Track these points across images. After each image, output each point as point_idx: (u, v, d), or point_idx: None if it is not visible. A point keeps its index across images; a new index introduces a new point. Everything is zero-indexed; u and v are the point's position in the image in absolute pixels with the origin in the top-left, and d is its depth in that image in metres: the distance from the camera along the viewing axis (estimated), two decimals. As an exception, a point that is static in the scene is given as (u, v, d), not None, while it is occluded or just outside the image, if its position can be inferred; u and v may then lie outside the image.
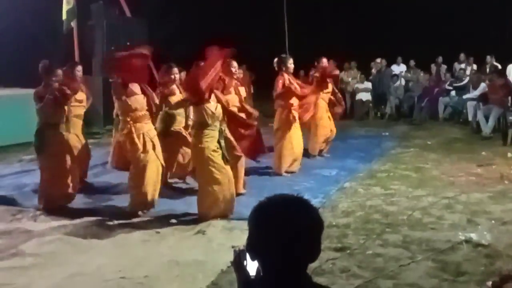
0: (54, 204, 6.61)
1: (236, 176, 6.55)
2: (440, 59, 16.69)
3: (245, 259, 1.93)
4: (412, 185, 7.60)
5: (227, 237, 5.53)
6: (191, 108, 6.94)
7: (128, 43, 12.30)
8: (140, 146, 6.27)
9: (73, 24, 11.65)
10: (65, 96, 6.71)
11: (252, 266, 1.91)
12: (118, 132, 6.70)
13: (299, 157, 8.60)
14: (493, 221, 5.92)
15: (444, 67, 16.62)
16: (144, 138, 6.31)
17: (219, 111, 6.21)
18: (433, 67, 16.72)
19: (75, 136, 7.40)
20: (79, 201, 6.97)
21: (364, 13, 17.92)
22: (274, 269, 1.73)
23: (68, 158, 6.73)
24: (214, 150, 6.09)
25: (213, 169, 6.05)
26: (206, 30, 18.77)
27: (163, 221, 6.13)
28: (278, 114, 8.50)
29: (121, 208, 6.61)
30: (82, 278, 4.69)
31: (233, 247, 5.05)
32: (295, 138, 8.45)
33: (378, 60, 16.46)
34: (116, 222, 6.12)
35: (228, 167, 6.19)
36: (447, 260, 4.82)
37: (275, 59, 8.65)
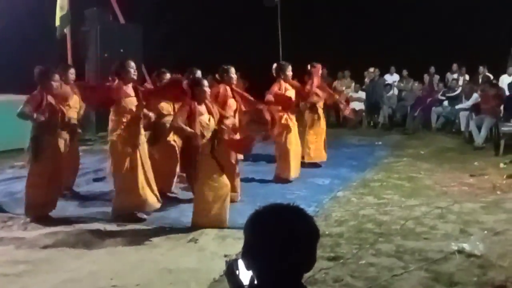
0: (38, 212, 6.50)
1: (231, 185, 6.53)
2: (432, 69, 16.79)
3: (238, 269, 1.93)
4: (405, 195, 7.61)
5: (220, 246, 5.51)
6: None
7: (121, 50, 12.32)
8: (131, 148, 6.30)
9: (67, 30, 11.63)
10: (55, 114, 6.62)
11: (245, 276, 1.90)
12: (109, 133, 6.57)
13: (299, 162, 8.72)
14: (485, 231, 5.93)
15: (437, 77, 16.71)
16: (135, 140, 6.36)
17: (212, 123, 6.19)
18: (426, 77, 16.82)
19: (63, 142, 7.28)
20: (71, 208, 6.96)
21: (357, 23, 17.96)
22: (269, 278, 1.73)
23: (57, 164, 6.67)
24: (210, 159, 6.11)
25: (210, 178, 6.08)
26: (200, 36, 18.82)
27: (156, 228, 6.11)
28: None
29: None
30: (74, 285, 4.67)
31: (225, 256, 5.05)
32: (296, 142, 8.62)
33: (371, 69, 16.52)
34: (108, 229, 6.09)
35: (224, 176, 6.19)
36: (440, 270, 4.82)
37: (274, 65, 8.68)
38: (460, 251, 5.23)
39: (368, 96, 16.02)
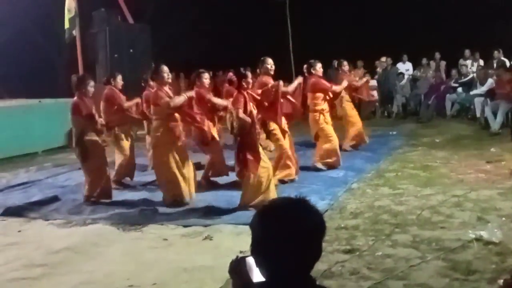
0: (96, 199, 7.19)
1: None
2: (437, 55, 16.61)
3: (246, 266, 1.91)
4: (420, 184, 7.53)
5: (235, 242, 5.49)
6: None
7: (130, 50, 12.35)
8: (171, 144, 6.85)
9: (75, 32, 11.66)
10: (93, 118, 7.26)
11: (255, 272, 1.88)
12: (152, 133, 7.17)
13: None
14: (503, 218, 5.84)
15: (443, 63, 16.54)
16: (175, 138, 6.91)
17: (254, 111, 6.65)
18: (432, 63, 16.65)
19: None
20: (85, 209, 6.97)
21: (367, 13, 17.87)
22: (277, 272, 1.73)
23: (105, 160, 7.37)
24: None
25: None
26: (209, 35, 18.83)
27: (170, 227, 6.12)
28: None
29: (128, 216, 6.61)
30: (90, 286, 4.69)
31: (241, 252, 5.03)
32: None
33: (383, 58, 16.40)
34: (123, 229, 6.11)
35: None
36: (458, 259, 4.76)
37: (305, 65, 9.15)
38: (478, 239, 5.16)
39: (381, 85, 15.92)
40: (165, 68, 6.96)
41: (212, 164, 7.98)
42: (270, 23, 16.47)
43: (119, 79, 8.40)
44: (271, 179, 6.64)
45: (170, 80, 7.12)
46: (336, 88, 9.11)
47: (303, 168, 8.53)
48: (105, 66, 12.39)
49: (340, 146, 9.44)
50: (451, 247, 5.03)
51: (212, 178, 8.02)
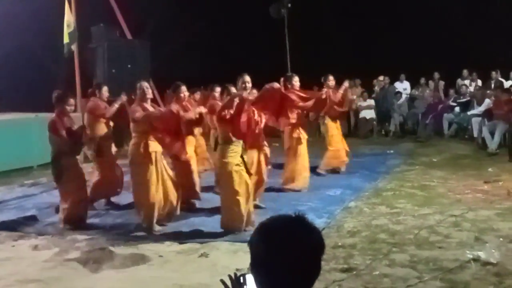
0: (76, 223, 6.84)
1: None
2: (436, 74, 16.67)
3: (246, 284, 1.88)
4: (418, 203, 7.51)
5: (231, 260, 5.44)
6: None
7: (129, 65, 12.35)
8: (153, 160, 6.61)
9: (74, 47, 11.67)
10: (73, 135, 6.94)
11: None
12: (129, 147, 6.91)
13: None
14: (501, 239, 5.82)
15: (442, 83, 16.60)
16: (156, 155, 6.68)
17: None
18: (431, 83, 16.71)
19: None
20: (80, 226, 6.90)
21: (365, 32, 17.97)
22: None
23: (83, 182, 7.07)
24: (237, 165, 6.37)
25: (236, 183, 6.30)
26: (208, 50, 18.90)
27: (166, 244, 6.07)
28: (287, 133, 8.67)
29: (123, 232, 6.56)
30: (84, 304, 4.62)
31: (237, 270, 4.98)
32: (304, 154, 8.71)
33: (381, 77, 16.46)
34: (118, 246, 6.05)
35: (249, 181, 6.49)
36: (456, 279, 4.72)
37: (282, 79, 8.69)
38: (476, 260, 5.13)
39: (378, 104, 15.94)
40: (145, 84, 6.93)
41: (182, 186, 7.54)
42: (269, 39, 16.53)
43: (105, 91, 8.17)
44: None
45: (150, 96, 7.00)
46: (305, 104, 8.41)
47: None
48: (103, 80, 12.37)
49: (316, 168, 9.46)
50: (449, 267, 5.00)
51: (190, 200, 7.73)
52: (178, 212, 6.99)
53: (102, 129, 7.91)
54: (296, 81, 8.55)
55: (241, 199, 6.33)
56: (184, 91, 7.71)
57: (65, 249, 6.00)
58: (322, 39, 18.10)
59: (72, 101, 7.15)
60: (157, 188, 6.64)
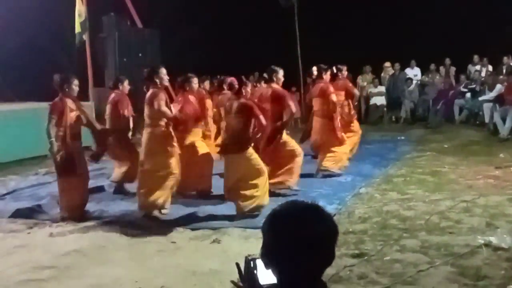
0: (74, 212, 6.71)
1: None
2: (447, 60, 16.54)
3: (256, 268, 1.90)
4: (429, 189, 7.51)
5: (243, 246, 5.49)
6: None
7: (140, 55, 12.40)
8: (170, 149, 6.62)
9: (85, 37, 11.74)
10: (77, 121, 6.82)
11: (264, 275, 1.88)
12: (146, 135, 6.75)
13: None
14: (512, 224, 5.83)
15: (453, 69, 16.49)
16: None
17: None
18: (442, 69, 16.60)
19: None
20: (94, 213, 6.98)
21: (376, 18, 17.85)
22: (288, 277, 1.72)
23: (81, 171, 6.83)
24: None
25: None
26: (218, 39, 18.87)
27: (178, 231, 6.12)
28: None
29: (136, 219, 6.63)
30: (99, 290, 4.69)
31: (248, 255, 5.03)
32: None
33: (387, 64, 16.39)
34: (131, 233, 6.11)
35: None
36: (467, 265, 4.74)
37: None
38: (487, 245, 5.15)
39: (389, 91, 15.89)
40: (163, 70, 6.75)
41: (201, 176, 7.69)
42: (279, 29, 16.49)
43: (126, 84, 8.19)
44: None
45: (167, 83, 7.02)
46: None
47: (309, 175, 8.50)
48: (114, 70, 12.45)
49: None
50: (460, 252, 5.02)
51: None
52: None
53: (124, 121, 7.96)
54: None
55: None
56: (195, 82, 7.75)
57: (78, 237, 6.07)
58: (332, 27, 17.99)
59: (76, 80, 6.89)
60: (175, 172, 6.68)
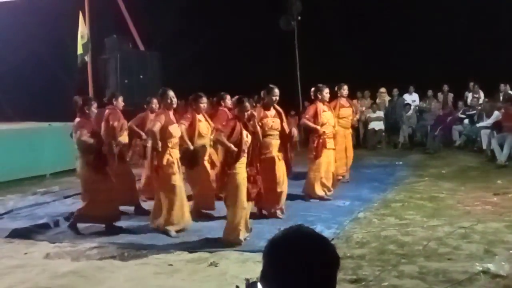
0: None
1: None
2: (445, 87, 16.68)
3: None
4: (427, 215, 7.51)
5: (240, 269, 5.47)
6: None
7: (141, 76, 12.48)
8: (176, 169, 6.79)
9: (87, 58, 11.83)
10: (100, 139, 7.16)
11: None
12: (153, 158, 6.91)
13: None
14: (511, 251, 5.80)
15: (451, 95, 16.60)
16: (178, 163, 6.88)
17: (249, 138, 6.48)
18: (440, 95, 16.72)
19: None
20: (91, 234, 6.97)
21: (374, 43, 17.98)
22: None
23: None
24: (244, 178, 6.40)
25: (243, 194, 6.34)
26: (219, 61, 18.99)
27: (176, 253, 6.10)
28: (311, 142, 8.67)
29: (133, 240, 6.61)
30: (95, 312, 4.66)
31: (246, 279, 5.01)
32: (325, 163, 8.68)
33: (383, 89, 16.51)
34: (128, 254, 6.10)
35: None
36: (465, 292, 4.73)
37: (312, 89, 8.75)
38: (485, 272, 5.13)
39: (387, 116, 15.95)
40: (171, 93, 6.96)
41: (200, 196, 7.77)
42: (279, 51, 16.61)
43: (121, 100, 8.33)
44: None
45: (175, 105, 7.11)
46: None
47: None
48: (115, 91, 12.51)
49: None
50: (458, 279, 5.00)
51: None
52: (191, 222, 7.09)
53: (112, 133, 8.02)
54: (326, 92, 8.57)
55: (245, 212, 6.42)
56: (204, 102, 7.81)
57: (75, 258, 6.05)
58: (332, 51, 18.13)
59: (95, 103, 7.23)
60: (181, 192, 6.86)
